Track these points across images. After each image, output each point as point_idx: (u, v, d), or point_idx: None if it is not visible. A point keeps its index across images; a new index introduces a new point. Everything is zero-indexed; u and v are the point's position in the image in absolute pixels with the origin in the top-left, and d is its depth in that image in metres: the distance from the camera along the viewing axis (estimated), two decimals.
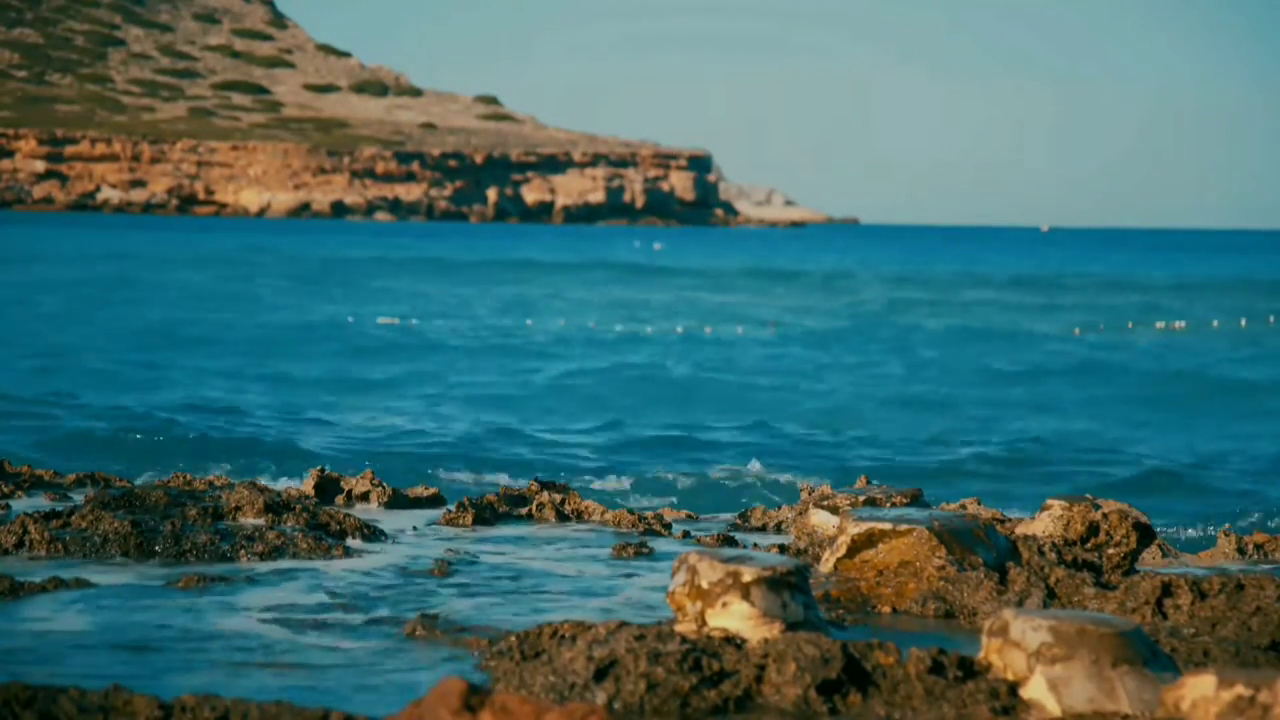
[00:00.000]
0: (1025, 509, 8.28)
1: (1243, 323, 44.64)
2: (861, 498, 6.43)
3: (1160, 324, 44.47)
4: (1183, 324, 44.56)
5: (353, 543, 6.46)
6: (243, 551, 6.12)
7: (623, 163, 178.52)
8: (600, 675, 4.20)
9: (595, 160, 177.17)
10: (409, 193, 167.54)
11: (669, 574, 4.74)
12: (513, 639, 4.60)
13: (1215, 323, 45.12)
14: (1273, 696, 3.75)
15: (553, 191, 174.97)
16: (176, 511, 6.54)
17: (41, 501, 7.20)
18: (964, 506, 7.07)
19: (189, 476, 7.65)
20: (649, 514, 7.32)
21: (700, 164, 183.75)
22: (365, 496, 7.54)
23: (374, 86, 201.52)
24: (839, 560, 5.63)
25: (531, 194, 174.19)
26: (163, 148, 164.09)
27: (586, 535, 6.96)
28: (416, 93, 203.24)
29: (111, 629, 4.94)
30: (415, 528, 6.98)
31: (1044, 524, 6.13)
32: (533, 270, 68.60)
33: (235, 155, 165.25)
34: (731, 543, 6.79)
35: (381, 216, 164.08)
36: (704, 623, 4.46)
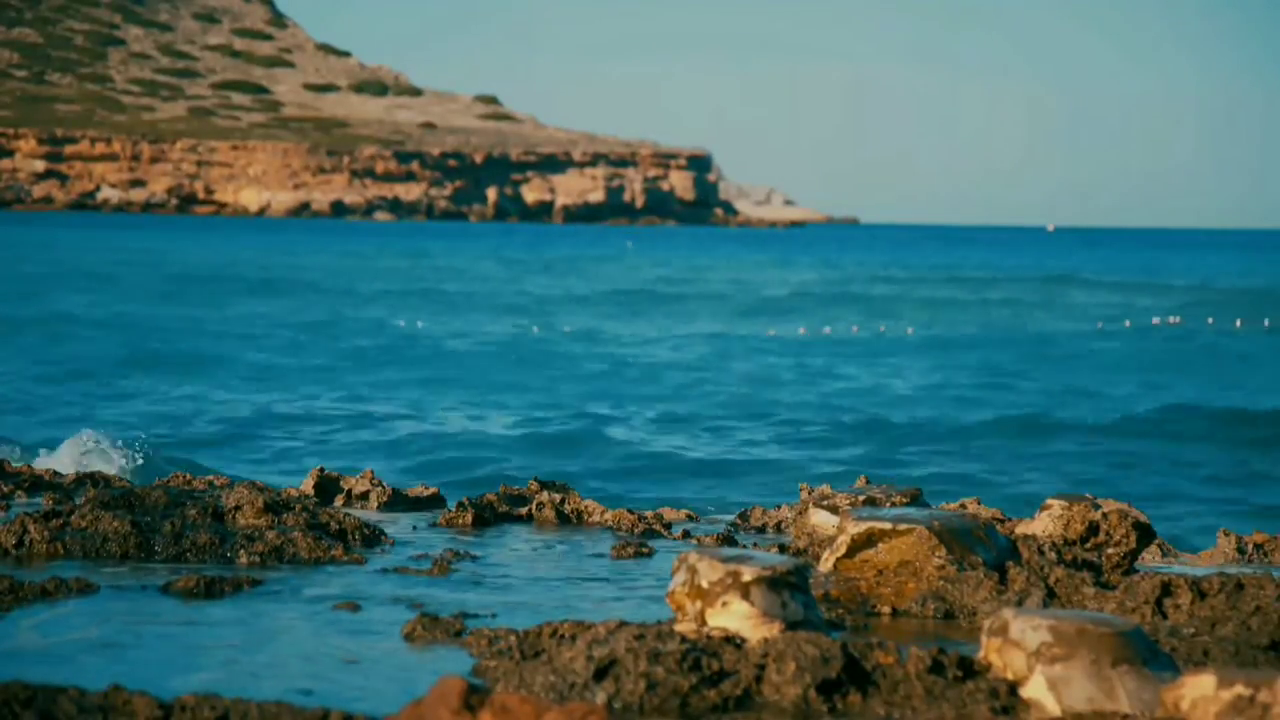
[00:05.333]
0: (1025, 509, 8.28)
1: (1237, 323, 44.69)
2: (861, 497, 6.43)
3: (1156, 319, 44.51)
4: (1177, 319, 44.63)
5: (352, 543, 6.46)
6: (242, 551, 6.12)
7: (622, 162, 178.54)
8: (600, 675, 4.21)
9: (595, 160, 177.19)
10: (409, 192, 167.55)
11: (669, 574, 4.74)
12: (512, 638, 4.60)
13: (1210, 319, 45.19)
14: (1273, 696, 3.75)
15: (552, 191, 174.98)
16: (176, 511, 6.54)
17: (41, 501, 7.19)
18: (964, 506, 7.07)
19: (189, 476, 7.66)
20: (649, 514, 7.32)
21: (700, 164, 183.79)
22: (365, 496, 7.54)
23: (374, 86, 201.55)
24: (839, 560, 5.63)
25: (531, 193, 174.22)
26: (163, 147, 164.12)
27: (586, 535, 6.96)
28: (416, 92, 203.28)
29: (111, 629, 4.95)
30: (415, 527, 6.98)
31: (1044, 524, 6.13)
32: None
33: (235, 155, 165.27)
34: (731, 542, 6.79)
35: (381, 216, 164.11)
36: (704, 622, 4.47)
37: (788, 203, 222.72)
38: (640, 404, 23.45)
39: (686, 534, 7.04)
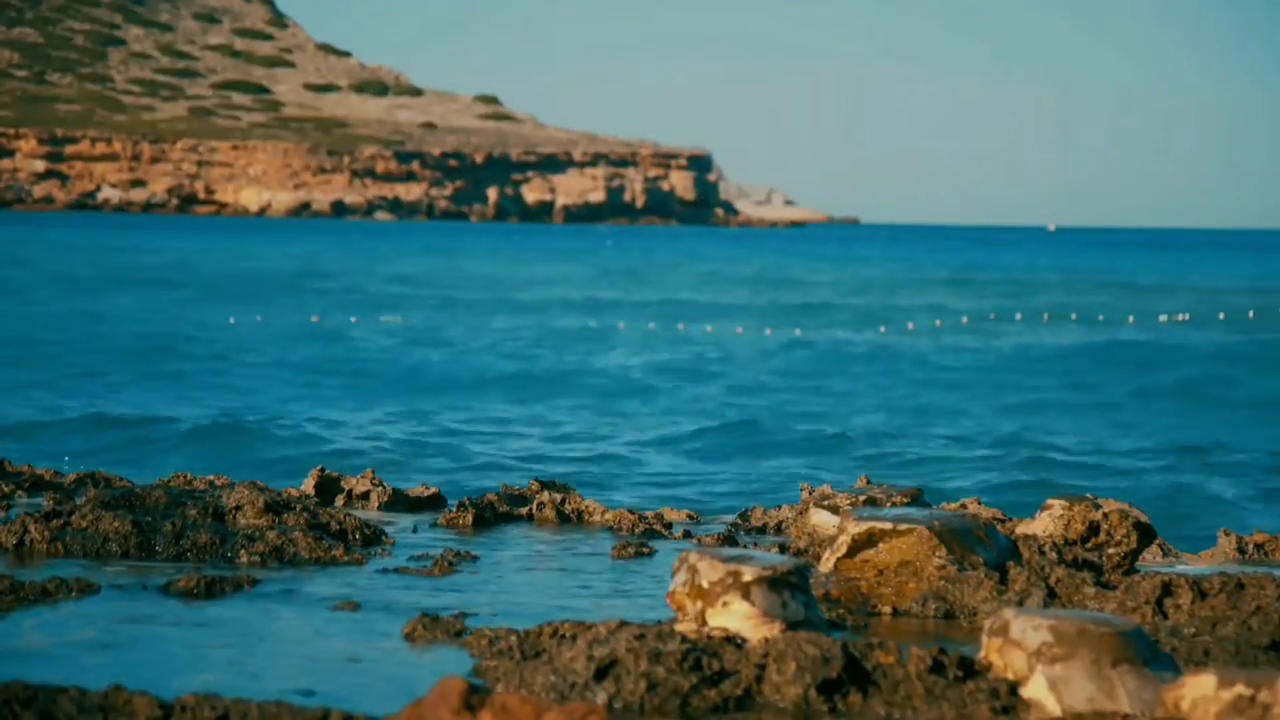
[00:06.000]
0: (1025, 509, 8.28)
1: (1250, 314, 44.78)
2: (861, 497, 6.43)
3: (1163, 317, 44.55)
4: (1186, 316, 44.72)
5: (352, 543, 6.46)
6: (243, 551, 6.12)
7: (623, 162, 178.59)
8: (600, 674, 4.21)
9: (595, 160, 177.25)
10: (409, 192, 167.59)
11: (669, 574, 4.74)
12: (513, 639, 4.60)
13: (1221, 314, 45.24)
14: (1273, 696, 3.75)
15: (553, 191, 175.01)
16: (177, 511, 6.54)
17: (42, 501, 7.19)
18: (964, 506, 7.07)
19: (189, 476, 7.65)
20: (649, 514, 7.32)
21: (700, 164, 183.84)
22: (365, 496, 7.54)
23: (374, 86, 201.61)
24: (839, 560, 5.63)
25: (532, 193, 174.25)
26: (163, 147, 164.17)
27: (587, 535, 6.96)
28: (416, 92, 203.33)
29: (112, 629, 4.95)
30: (415, 528, 6.98)
31: (1044, 524, 6.13)
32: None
33: (235, 155, 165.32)
34: (732, 542, 6.78)
35: (382, 216, 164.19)
36: (704, 622, 4.47)
37: (788, 203, 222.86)
38: (641, 403, 23.46)
39: (687, 534, 7.04)
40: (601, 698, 4.16)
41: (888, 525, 5.60)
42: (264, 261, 72.37)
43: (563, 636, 4.56)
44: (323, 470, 7.64)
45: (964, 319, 42.70)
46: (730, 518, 7.57)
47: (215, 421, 19.55)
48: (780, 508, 7.43)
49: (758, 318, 44.24)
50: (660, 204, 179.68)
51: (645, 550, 6.48)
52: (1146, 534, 6.08)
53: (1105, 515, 6.07)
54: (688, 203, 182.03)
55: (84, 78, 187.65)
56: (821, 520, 6.31)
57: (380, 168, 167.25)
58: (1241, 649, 4.79)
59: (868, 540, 5.61)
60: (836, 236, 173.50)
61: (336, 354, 30.73)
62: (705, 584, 4.49)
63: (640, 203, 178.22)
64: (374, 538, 6.53)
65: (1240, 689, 3.78)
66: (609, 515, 7.21)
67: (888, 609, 5.38)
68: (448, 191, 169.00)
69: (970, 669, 4.22)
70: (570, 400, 23.96)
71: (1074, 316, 45.82)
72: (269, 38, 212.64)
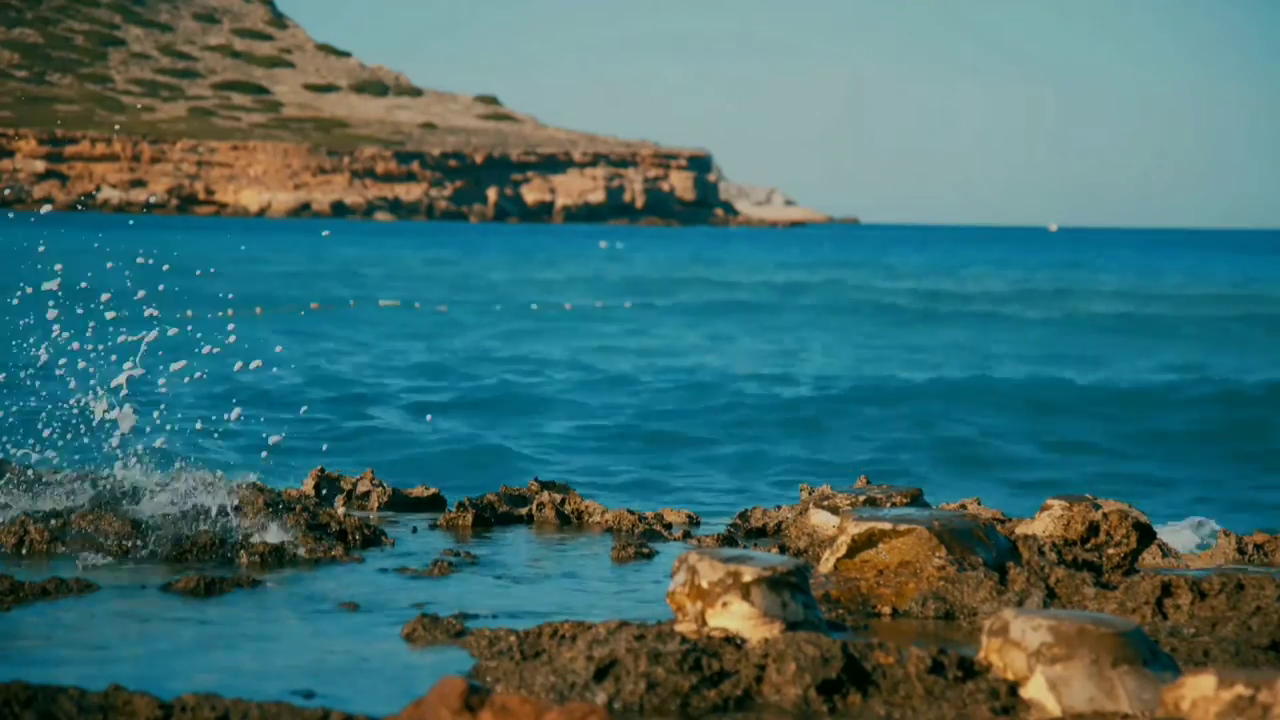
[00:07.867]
0: (1025, 509, 8.27)
1: None
2: (861, 498, 6.43)
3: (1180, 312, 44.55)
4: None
5: (352, 543, 6.46)
6: (243, 551, 6.12)
7: (623, 162, 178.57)
8: (600, 675, 4.21)
9: (595, 160, 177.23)
10: (409, 192, 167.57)
11: (669, 574, 4.74)
12: (513, 639, 4.60)
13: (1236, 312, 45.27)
14: (1273, 696, 3.75)
15: (553, 191, 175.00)
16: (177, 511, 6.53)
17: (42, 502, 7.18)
18: (964, 506, 7.07)
19: None
20: (649, 514, 7.32)
21: (700, 164, 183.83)
22: (365, 497, 7.54)
23: (374, 86, 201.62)
24: (839, 560, 5.63)
25: (532, 194, 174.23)
26: (163, 147, 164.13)
27: (586, 535, 6.96)
28: (416, 92, 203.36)
29: (112, 629, 4.95)
30: (415, 528, 6.98)
31: (1044, 524, 6.13)
32: None
33: (235, 155, 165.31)
34: (731, 543, 6.78)
35: (382, 216, 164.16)
36: (704, 622, 4.47)
37: (788, 203, 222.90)
38: (642, 402, 23.47)
39: (687, 535, 7.04)
40: (601, 698, 4.16)
41: (888, 525, 5.60)
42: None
43: (563, 637, 4.56)
44: (323, 470, 7.64)
45: (964, 324, 42.66)
46: (730, 518, 7.57)
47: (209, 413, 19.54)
48: (780, 508, 7.43)
49: (753, 316, 44.26)
50: (660, 204, 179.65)
51: (645, 551, 6.48)
52: (1146, 534, 6.08)
53: (1105, 515, 6.07)
54: (688, 203, 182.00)
55: (84, 78, 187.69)
56: (821, 520, 6.31)
57: (380, 168, 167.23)
58: (1241, 649, 4.79)
59: (868, 540, 5.61)
60: (838, 236, 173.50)
61: (335, 345, 30.74)
62: (705, 584, 4.49)
63: (640, 203, 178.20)
64: (374, 538, 6.53)
65: (1240, 689, 3.78)
66: (609, 516, 7.21)
67: (888, 609, 5.38)
68: (448, 192, 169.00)
69: (970, 669, 4.22)
70: (571, 399, 23.96)
71: (1063, 312, 45.87)
72: (269, 38, 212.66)
